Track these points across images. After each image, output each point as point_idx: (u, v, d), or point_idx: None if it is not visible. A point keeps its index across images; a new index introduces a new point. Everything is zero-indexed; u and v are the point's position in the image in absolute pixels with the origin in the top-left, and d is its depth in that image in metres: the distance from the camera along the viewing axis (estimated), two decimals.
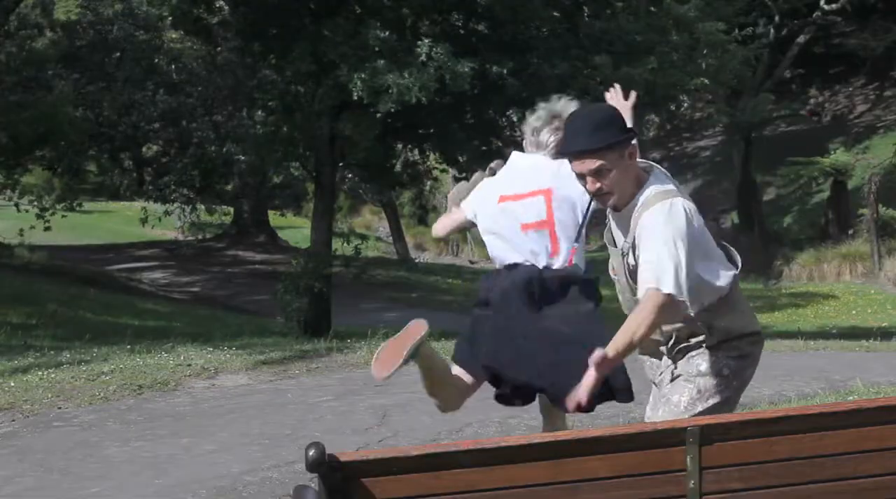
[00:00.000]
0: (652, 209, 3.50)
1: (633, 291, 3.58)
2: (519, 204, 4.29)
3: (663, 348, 3.68)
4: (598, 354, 3.33)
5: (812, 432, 2.87)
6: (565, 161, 3.87)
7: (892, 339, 12.20)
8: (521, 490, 2.76)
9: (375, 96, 12.01)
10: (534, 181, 4.30)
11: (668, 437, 2.83)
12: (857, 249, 25.00)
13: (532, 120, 4.49)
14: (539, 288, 4.15)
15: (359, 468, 2.68)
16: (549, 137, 4.39)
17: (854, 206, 26.64)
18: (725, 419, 2.94)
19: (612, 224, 3.70)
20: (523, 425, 6.83)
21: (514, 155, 4.54)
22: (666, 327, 3.60)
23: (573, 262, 4.22)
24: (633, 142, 3.57)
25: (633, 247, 3.54)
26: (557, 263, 4.21)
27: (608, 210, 3.67)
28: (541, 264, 4.19)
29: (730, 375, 3.63)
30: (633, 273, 3.56)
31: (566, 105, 4.36)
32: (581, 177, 3.54)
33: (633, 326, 3.40)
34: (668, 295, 3.39)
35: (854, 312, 20.38)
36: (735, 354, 3.64)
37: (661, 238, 3.44)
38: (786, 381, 8.21)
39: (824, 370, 8.79)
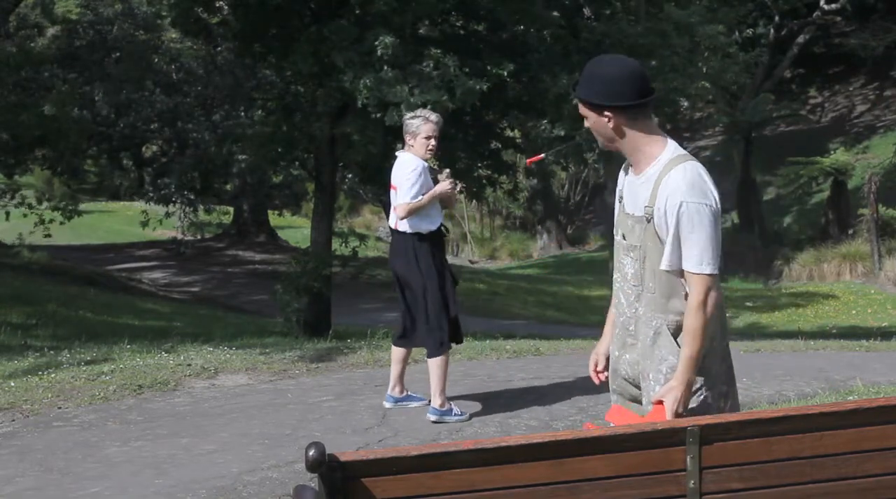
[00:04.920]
0: (675, 172, 3.43)
1: (652, 261, 3.48)
2: (392, 191, 6.91)
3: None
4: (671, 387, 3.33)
5: (812, 432, 2.87)
6: (407, 162, 6.78)
7: (892, 339, 12.20)
8: (521, 490, 2.76)
9: (383, 108, 11.87)
10: (395, 177, 6.85)
11: (668, 437, 2.82)
12: (857, 249, 24.99)
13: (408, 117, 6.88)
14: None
15: (359, 468, 2.68)
16: (414, 123, 6.75)
17: (854, 206, 26.65)
18: (725, 419, 2.94)
19: (627, 192, 3.60)
20: (523, 424, 6.84)
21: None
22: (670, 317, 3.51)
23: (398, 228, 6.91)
24: (639, 105, 3.43)
25: (656, 210, 3.44)
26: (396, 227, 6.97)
27: (624, 178, 3.62)
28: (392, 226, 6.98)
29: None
30: (656, 237, 3.45)
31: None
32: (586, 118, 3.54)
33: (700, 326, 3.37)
34: (712, 276, 3.38)
35: (854, 312, 20.37)
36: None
37: (694, 212, 3.37)
38: (786, 381, 8.22)
39: (824, 370, 8.79)
